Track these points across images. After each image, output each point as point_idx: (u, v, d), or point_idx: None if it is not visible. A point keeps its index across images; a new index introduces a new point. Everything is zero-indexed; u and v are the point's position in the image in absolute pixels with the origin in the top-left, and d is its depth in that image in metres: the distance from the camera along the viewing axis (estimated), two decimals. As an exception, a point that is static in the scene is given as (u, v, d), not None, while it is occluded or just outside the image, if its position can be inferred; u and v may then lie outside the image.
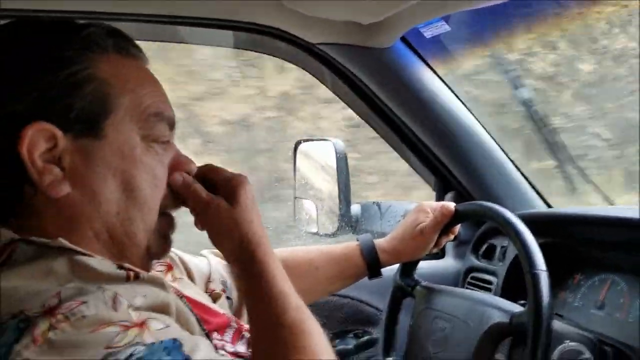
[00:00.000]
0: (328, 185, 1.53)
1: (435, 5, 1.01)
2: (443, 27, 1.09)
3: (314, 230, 1.56)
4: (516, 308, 0.94)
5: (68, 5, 1.08)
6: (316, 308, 1.35)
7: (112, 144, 0.64)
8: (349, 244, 1.10)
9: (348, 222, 1.51)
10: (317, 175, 1.61)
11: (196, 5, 1.10)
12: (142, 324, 0.54)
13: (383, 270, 1.30)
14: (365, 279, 1.32)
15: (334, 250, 1.10)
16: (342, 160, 1.44)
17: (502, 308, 0.94)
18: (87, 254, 0.61)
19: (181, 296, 0.75)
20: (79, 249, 0.61)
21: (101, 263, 0.61)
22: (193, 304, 0.80)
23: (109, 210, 0.64)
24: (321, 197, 1.57)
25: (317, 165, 1.60)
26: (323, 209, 1.56)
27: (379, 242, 1.09)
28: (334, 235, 1.51)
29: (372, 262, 1.07)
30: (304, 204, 1.62)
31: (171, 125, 0.70)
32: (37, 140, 0.61)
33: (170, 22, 1.14)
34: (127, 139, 0.65)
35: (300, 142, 1.59)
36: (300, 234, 1.57)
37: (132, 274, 0.61)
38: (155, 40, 1.32)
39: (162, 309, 0.60)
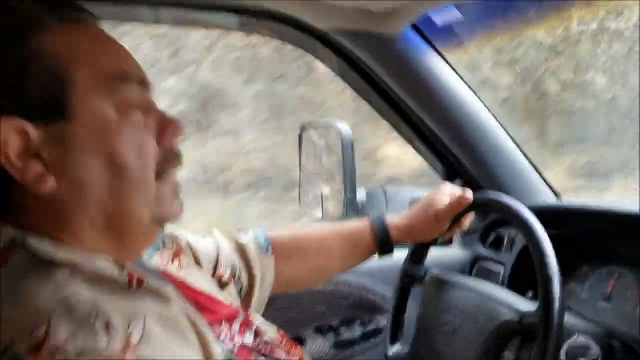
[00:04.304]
0: (333, 170, 1.52)
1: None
2: (455, 15, 1.06)
3: (319, 215, 1.55)
4: (526, 305, 0.93)
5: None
6: (322, 294, 1.37)
7: (84, 123, 0.59)
8: (360, 220, 1.08)
9: (353, 208, 1.50)
10: (322, 160, 1.59)
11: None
12: None
13: (391, 259, 1.31)
14: (373, 266, 1.33)
15: (345, 226, 1.08)
16: (347, 145, 1.42)
17: (512, 306, 0.93)
18: (90, 260, 0.59)
19: (186, 294, 0.74)
20: (77, 259, 0.58)
21: (102, 266, 0.59)
22: (199, 295, 0.80)
23: (100, 193, 0.60)
24: (326, 182, 1.56)
25: (322, 149, 1.59)
26: (328, 194, 1.55)
27: (391, 218, 1.07)
28: (338, 220, 1.51)
29: (382, 238, 1.05)
30: (309, 189, 1.61)
31: (143, 85, 0.64)
32: (8, 139, 0.56)
33: (178, 5, 1.11)
34: (98, 114, 0.59)
35: (306, 126, 1.58)
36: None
37: (134, 280, 0.59)
38: (156, 24, 1.29)
39: (160, 333, 0.56)
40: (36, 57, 0.57)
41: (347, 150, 1.42)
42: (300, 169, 1.61)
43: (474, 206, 1.03)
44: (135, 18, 1.20)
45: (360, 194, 1.58)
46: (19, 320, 0.52)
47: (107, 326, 0.52)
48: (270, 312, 1.28)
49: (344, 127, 1.44)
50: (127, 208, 0.62)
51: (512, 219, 0.96)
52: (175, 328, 0.59)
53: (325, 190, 1.55)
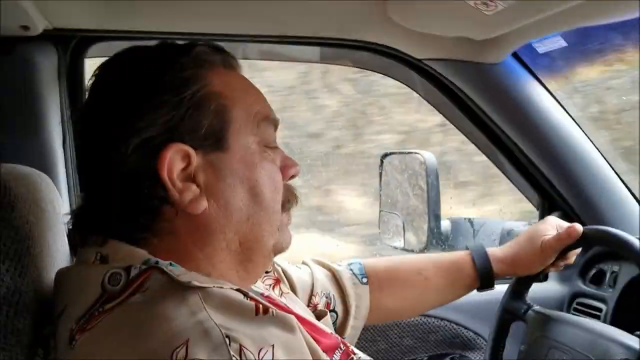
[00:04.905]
0: (416, 200, 1.49)
1: (553, 21, 0.95)
2: (559, 43, 1.04)
3: (400, 245, 1.52)
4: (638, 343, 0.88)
5: (170, 27, 1.10)
6: (411, 328, 1.34)
7: (236, 154, 0.66)
8: (459, 252, 1.04)
9: (437, 239, 1.47)
10: (404, 189, 1.57)
11: (302, 24, 1.10)
12: None
13: (484, 294, 1.26)
14: (465, 301, 1.29)
15: (444, 258, 1.05)
16: (432, 174, 1.40)
17: (626, 344, 0.89)
18: (218, 286, 0.60)
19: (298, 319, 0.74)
20: (208, 285, 0.60)
21: (230, 292, 0.60)
22: (303, 322, 0.79)
23: (240, 217, 0.66)
24: (409, 211, 1.53)
25: (405, 178, 1.57)
26: (410, 224, 1.52)
27: (493, 250, 1.03)
28: (421, 251, 1.47)
29: (484, 272, 1.01)
30: (390, 218, 1.59)
31: (276, 127, 0.73)
32: (174, 161, 0.62)
33: (275, 42, 1.15)
34: (247, 147, 0.67)
35: (388, 155, 1.56)
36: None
37: (260, 307, 0.60)
38: (244, 59, 1.33)
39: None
40: (210, 93, 0.65)
41: (432, 179, 1.40)
42: (381, 198, 1.59)
43: (584, 239, 0.98)
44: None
45: (446, 225, 1.55)
46: (157, 344, 0.53)
47: (240, 351, 0.53)
48: (358, 343, 1.25)
49: (429, 157, 1.42)
50: (258, 234, 0.68)
51: (629, 253, 0.91)
52: (300, 357, 0.60)
53: (408, 220, 1.52)
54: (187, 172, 0.63)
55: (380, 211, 1.62)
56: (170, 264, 0.61)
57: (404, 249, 1.50)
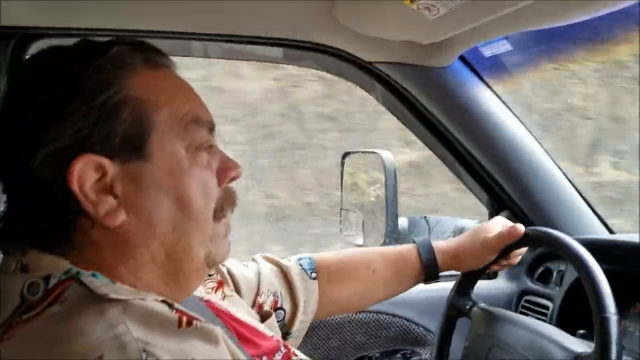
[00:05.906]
0: (375, 198, 1.51)
1: (497, 25, 0.97)
2: (504, 46, 1.06)
3: (360, 242, 1.54)
4: (579, 345, 0.90)
5: (118, 24, 1.09)
6: (364, 325, 1.36)
7: (159, 163, 0.61)
8: (406, 245, 1.07)
9: (395, 236, 1.49)
10: (364, 188, 1.59)
11: (250, 24, 1.10)
12: None
13: (435, 290, 1.29)
14: (417, 298, 1.31)
15: (391, 251, 1.07)
16: (390, 173, 1.42)
17: (565, 345, 0.90)
18: (140, 298, 0.59)
19: (230, 326, 0.75)
20: (129, 297, 0.58)
21: (153, 305, 0.59)
22: (243, 326, 0.80)
23: (165, 229, 0.62)
24: (368, 209, 1.55)
25: (364, 177, 1.59)
26: (369, 222, 1.54)
27: (438, 243, 1.05)
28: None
29: (429, 262, 1.03)
30: (351, 216, 1.61)
31: (211, 128, 0.68)
32: (86, 173, 0.58)
33: (224, 41, 1.14)
34: (172, 154, 0.62)
35: (348, 154, 1.58)
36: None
37: (184, 319, 0.58)
38: (205, 57, 1.32)
39: None
40: (126, 98, 0.60)
41: (390, 178, 1.42)
42: (341, 196, 1.61)
43: (525, 239, 1.01)
44: (186, 52, 1.23)
45: (402, 223, 1.57)
46: (72, 358, 0.52)
47: None
48: (312, 341, 1.28)
49: (388, 156, 1.44)
50: (187, 245, 0.64)
51: (567, 255, 0.93)
52: None
53: (367, 217, 1.54)
54: (102, 183, 0.59)
55: (341, 209, 1.63)
56: (93, 275, 0.59)
57: (364, 246, 1.52)
